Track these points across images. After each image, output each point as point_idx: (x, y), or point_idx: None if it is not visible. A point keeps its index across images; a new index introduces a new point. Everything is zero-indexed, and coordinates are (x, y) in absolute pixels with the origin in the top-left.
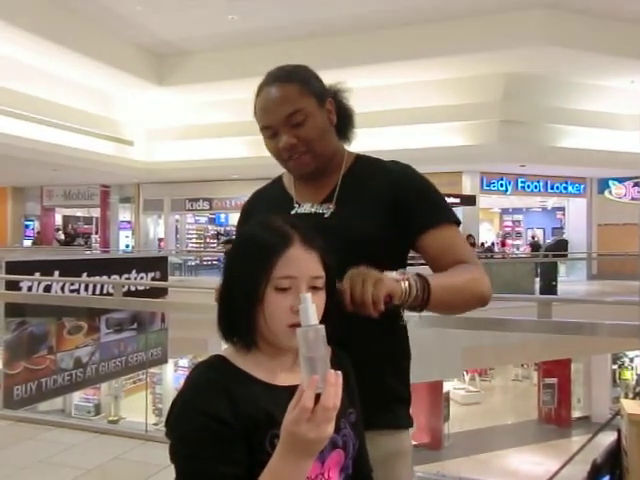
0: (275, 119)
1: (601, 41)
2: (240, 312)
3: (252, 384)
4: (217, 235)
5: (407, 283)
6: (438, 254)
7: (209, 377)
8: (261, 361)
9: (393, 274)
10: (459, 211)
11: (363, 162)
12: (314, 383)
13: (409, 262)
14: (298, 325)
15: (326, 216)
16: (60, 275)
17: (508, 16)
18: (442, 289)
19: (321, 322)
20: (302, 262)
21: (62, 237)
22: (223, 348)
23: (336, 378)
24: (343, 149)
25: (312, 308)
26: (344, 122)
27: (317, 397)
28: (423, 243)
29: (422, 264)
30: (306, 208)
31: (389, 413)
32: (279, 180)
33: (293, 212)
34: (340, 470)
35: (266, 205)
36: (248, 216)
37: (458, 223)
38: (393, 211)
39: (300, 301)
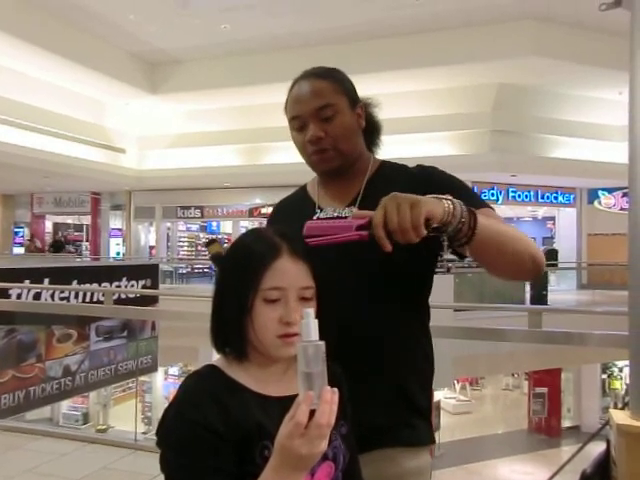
0: (305, 110)
1: (590, 53)
2: (230, 323)
3: (243, 394)
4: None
5: (450, 203)
6: None
7: (201, 387)
8: (252, 371)
9: (433, 195)
10: None
11: (388, 167)
12: (309, 399)
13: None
14: (287, 336)
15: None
16: (50, 283)
17: (499, 27)
18: (492, 227)
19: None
20: (290, 273)
21: (37, 245)
22: (214, 357)
23: (332, 395)
24: (369, 154)
25: (314, 323)
26: (371, 134)
27: (313, 412)
28: None
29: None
30: (328, 212)
31: (409, 428)
32: (303, 187)
33: (315, 217)
34: None
35: (288, 212)
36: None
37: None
38: None
39: (303, 316)
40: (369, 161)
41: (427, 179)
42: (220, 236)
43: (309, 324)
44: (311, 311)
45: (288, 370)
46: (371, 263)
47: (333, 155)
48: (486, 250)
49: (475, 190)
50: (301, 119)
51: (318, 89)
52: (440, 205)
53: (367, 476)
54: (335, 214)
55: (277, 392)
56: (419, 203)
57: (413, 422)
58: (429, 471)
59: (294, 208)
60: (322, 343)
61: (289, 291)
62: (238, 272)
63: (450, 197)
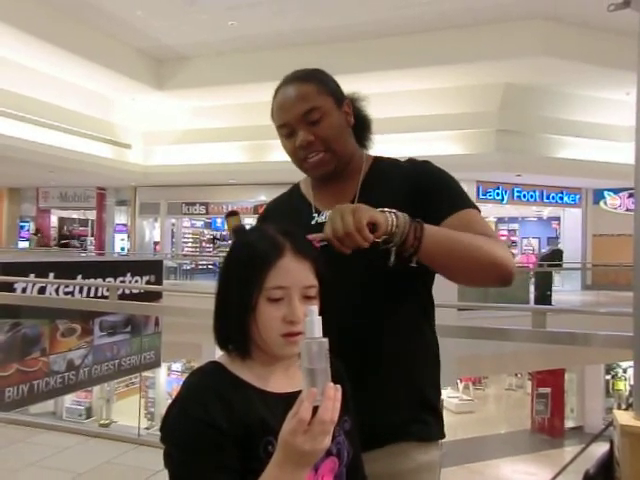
0: (291, 116)
1: (597, 53)
2: (234, 321)
3: (247, 391)
4: (213, 240)
5: (394, 216)
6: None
7: (204, 383)
8: (255, 368)
9: (379, 210)
10: None
11: (382, 165)
12: (312, 396)
13: None
14: (290, 335)
15: None
16: (55, 277)
17: (507, 27)
18: (444, 237)
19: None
20: (294, 272)
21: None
22: (217, 354)
23: (335, 392)
24: (361, 152)
25: (318, 321)
26: (361, 130)
27: (316, 409)
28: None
29: None
30: (326, 217)
31: (421, 424)
32: (297, 188)
33: (313, 222)
34: (334, 478)
35: (284, 213)
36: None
37: (478, 210)
38: (412, 208)
39: (307, 313)
40: (362, 159)
41: (420, 174)
42: (224, 233)
43: (313, 321)
44: (315, 308)
45: (291, 367)
46: (371, 262)
47: (327, 158)
48: (436, 259)
49: (479, 188)
50: (288, 126)
51: (302, 93)
52: (383, 215)
53: (380, 471)
54: None
55: (280, 388)
56: (360, 209)
57: (424, 417)
58: (439, 466)
59: (290, 209)
60: (325, 340)
61: (292, 290)
62: (241, 271)
63: (394, 210)
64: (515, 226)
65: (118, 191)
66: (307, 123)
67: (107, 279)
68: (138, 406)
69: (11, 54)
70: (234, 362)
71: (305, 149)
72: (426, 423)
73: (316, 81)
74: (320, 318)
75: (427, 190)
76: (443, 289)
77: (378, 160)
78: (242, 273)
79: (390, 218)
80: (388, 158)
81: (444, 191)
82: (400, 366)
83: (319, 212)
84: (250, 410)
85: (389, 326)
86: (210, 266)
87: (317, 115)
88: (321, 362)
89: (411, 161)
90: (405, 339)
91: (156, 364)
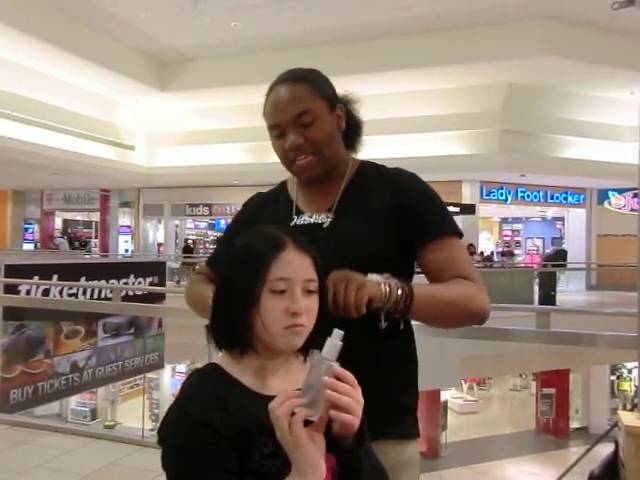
0: (283, 118)
1: (601, 53)
2: (237, 315)
3: (245, 392)
4: (217, 241)
5: (388, 287)
6: (438, 268)
7: (202, 385)
8: (255, 368)
9: (376, 277)
10: (458, 220)
11: (367, 170)
12: (290, 394)
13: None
14: (293, 327)
15: (325, 226)
16: (59, 279)
17: (510, 27)
18: (429, 299)
19: (315, 327)
20: (296, 265)
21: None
22: (218, 355)
23: (294, 398)
24: (348, 157)
25: (337, 345)
26: (352, 132)
27: (308, 422)
28: (423, 254)
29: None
30: (305, 219)
31: (398, 424)
32: (283, 187)
33: (292, 223)
34: (333, 475)
35: (270, 214)
36: (249, 222)
37: (460, 235)
38: (395, 222)
39: (332, 334)
40: (348, 164)
41: (407, 192)
42: None
43: (333, 343)
44: (340, 332)
45: (291, 368)
46: (346, 264)
47: (315, 161)
48: (420, 319)
49: (483, 188)
50: (280, 127)
51: (295, 95)
52: (378, 290)
53: None
54: (312, 220)
55: (278, 391)
56: (364, 285)
57: (401, 417)
58: (418, 464)
59: (275, 210)
60: (336, 364)
61: (295, 282)
62: (244, 266)
63: (390, 281)
64: (519, 226)
65: (122, 193)
66: (298, 125)
67: (110, 281)
68: (142, 408)
69: (15, 57)
70: (233, 363)
71: (294, 151)
72: (404, 422)
73: (310, 83)
74: (341, 344)
75: (415, 208)
76: None
77: (364, 165)
78: (245, 267)
79: (384, 291)
80: (374, 164)
81: (432, 212)
82: (373, 368)
83: (300, 213)
84: (247, 412)
85: (360, 327)
86: None
87: (309, 118)
88: (320, 382)
89: (398, 171)
90: (376, 340)
91: (160, 365)
